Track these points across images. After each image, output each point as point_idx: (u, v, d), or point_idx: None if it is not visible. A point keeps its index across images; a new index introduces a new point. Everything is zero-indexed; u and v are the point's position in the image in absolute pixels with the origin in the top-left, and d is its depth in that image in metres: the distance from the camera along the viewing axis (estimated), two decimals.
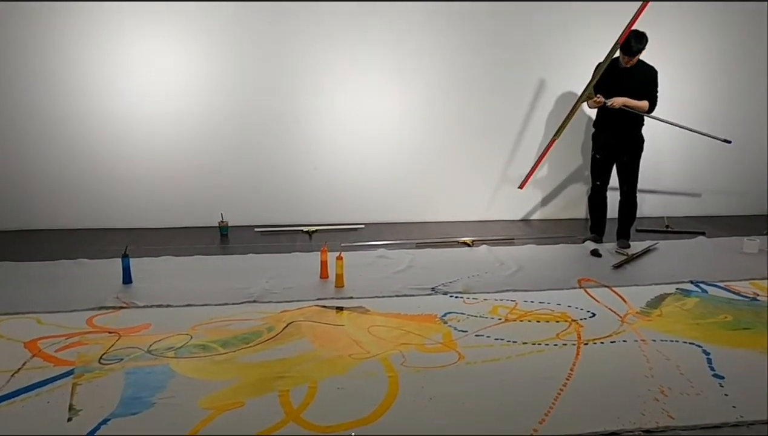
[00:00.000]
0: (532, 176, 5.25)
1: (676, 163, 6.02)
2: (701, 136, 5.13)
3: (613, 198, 5.04)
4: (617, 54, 4.59)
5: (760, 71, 5.93)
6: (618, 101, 4.60)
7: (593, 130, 4.96)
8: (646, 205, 5.88)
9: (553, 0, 5.48)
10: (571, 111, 4.92)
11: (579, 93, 5.08)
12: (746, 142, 5.95)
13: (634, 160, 4.83)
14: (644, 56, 4.57)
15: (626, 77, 4.62)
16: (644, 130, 4.80)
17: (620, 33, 4.52)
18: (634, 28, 4.48)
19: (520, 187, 5.28)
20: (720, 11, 5.74)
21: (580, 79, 5.10)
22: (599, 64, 4.72)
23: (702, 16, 5.73)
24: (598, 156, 4.92)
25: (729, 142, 5.07)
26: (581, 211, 5.98)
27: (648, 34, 4.47)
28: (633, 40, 4.43)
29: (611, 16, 5.11)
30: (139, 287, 3.90)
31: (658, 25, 5.39)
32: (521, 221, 5.92)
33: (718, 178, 6.14)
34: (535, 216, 5.98)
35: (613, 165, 4.92)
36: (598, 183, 4.97)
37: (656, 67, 4.66)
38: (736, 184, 6.17)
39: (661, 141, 5.71)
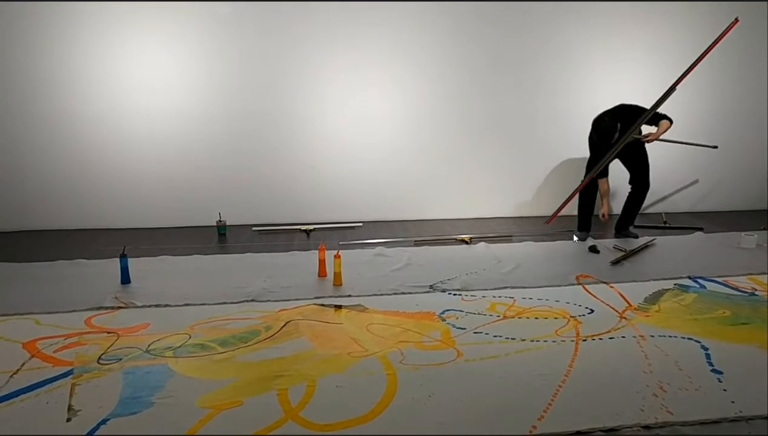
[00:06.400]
0: (560, 212, 5.24)
1: (674, 158, 6.01)
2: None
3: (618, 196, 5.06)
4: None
5: (759, 67, 5.92)
6: (652, 137, 4.82)
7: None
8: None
9: (555, 0, 5.48)
10: (611, 152, 4.80)
11: (576, 93, 5.09)
12: (744, 137, 5.97)
13: (642, 157, 5.00)
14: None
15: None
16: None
17: (682, 75, 4.62)
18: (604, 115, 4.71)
19: (547, 223, 5.32)
20: (720, 10, 5.68)
21: (579, 80, 5.10)
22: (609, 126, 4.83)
23: (699, 14, 5.69)
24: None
25: (715, 147, 5.15)
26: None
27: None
28: (608, 129, 4.75)
29: (608, 16, 5.12)
30: (137, 286, 3.90)
31: (653, 23, 5.40)
32: (519, 218, 5.91)
33: (716, 173, 6.14)
34: (532, 213, 5.97)
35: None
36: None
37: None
38: (733, 180, 6.18)
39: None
